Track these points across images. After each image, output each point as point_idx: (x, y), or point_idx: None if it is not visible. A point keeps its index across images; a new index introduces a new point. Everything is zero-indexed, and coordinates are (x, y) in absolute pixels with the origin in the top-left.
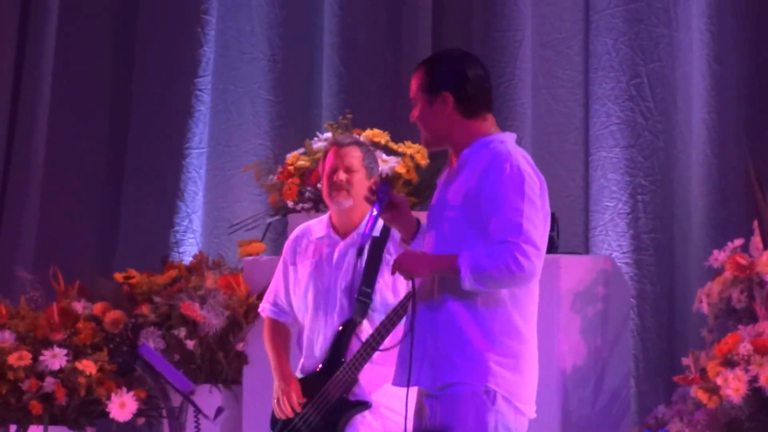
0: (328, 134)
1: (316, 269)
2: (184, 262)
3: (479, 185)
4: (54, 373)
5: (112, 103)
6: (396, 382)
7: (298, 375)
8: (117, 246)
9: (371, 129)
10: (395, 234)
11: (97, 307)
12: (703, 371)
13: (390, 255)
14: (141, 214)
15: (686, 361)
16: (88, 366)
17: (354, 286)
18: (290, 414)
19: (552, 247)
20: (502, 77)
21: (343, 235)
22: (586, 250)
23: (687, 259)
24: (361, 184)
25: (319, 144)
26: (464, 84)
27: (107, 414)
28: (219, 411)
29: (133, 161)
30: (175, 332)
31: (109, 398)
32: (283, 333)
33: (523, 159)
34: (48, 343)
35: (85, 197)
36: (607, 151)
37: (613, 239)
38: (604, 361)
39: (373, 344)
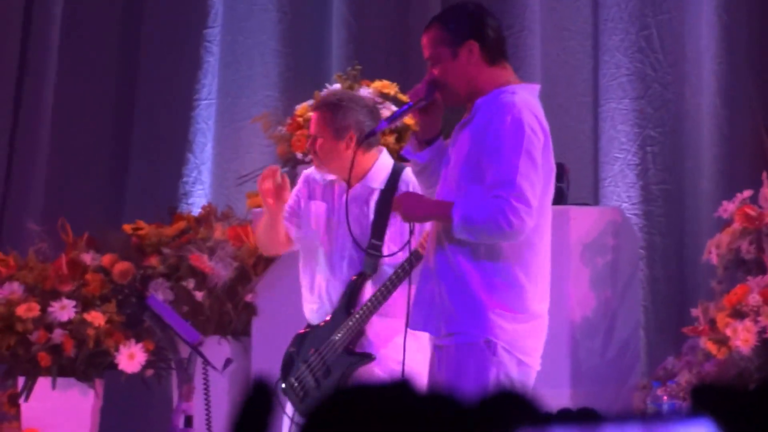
0: (337, 85)
1: (324, 214)
2: (192, 214)
3: (482, 137)
4: (62, 325)
5: (120, 53)
6: (410, 326)
7: (309, 322)
8: (126, 197)
9: (380, 80)
10: (403, 186)
11: (106, 259)
12: (712, 322)
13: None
14: (150, 165)
15: (695, 312)
16: (96, 317)
17: (362, 237)
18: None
19: (561, 198)
20: (512, 28)
21: (351, 184)
22: (595, 201)
23: (696, 210)
24: (330, 147)
25: None
26: (485, 29)
27: (116, 366)
28: (228, 362)
29: (141, 113)
30: (184, 284)
31: (117, 350)
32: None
33: (528, 111)
34: (56, 295)
35: (93, 149)
36: (617, 103)
37: (622, 190)
38: (613, 312)
39: (380, 297)
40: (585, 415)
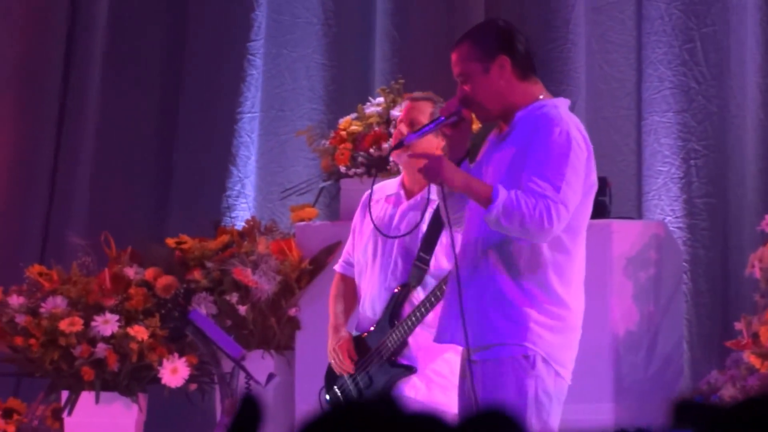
0: (381, 99)
1: (378, 226)
2: (236, 227)
3: (527, 147)
4: (106, 339)
5: (164, 67)
6: (436, 339)
7: (354, 332)
8: (169, 211)
9: (422, 93)
10: None
11: (149, 273)
12: (755, 336)
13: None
14: (193, 179)
15: (739, 325)
16: (139, 332)
17: (411, 248)
18: (349, 370)
19: (604, 212)
20: (555, 42)
21: (409, 196)
22: (638, 215)
23: (740, 224)
24: (426, 140)
25: (371, 109)
26: (516, 44)
27: (159, 380)
28: (270, 377)
29: (185, 126)
30: (227, 297)
31: (160, 364)
32: (347, 288)
33: (573, 126)
34: (100, 309)
35: (137, 162)
36: (660, 116)
37: (666, 204)
38: (656, 326)
39: (423, 310)
40: None
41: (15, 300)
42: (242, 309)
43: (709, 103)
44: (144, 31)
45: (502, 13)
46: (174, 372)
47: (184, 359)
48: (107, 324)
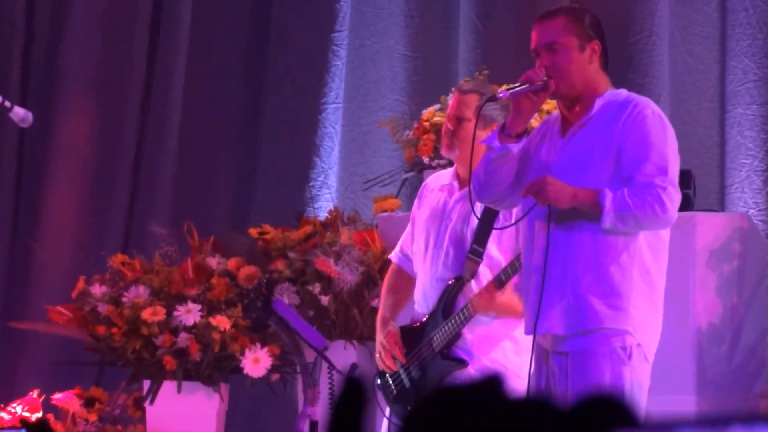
0: None
1: (431, 217)
2: (319, 218)
3: (616, 133)
4: (188, 329)
5: (248, 58)
6: (528, 331)
7: (407, 323)
8: (252, 201)
9: (507, 84)
10: None
11: (232, 263)
12: None
13: (504, 212)
14: (276, 169)
15: None
16: (222, 321)
17: (464, 238)
18: (392, 366)
19: (688, 205)
20: (640, 33)
21: (462, 186)
22: (721, 207)
23: None
24: (472, 133)
25: None
26: (604, 35)
27: (241, 370)
28: (353, 367)
29: (269, 116)
30: (310, 288)
31: (243, 354)
32: (401, 280)
33: (657, 107)
34: (182, 299)
35: (220, 152)
36: (744, 108)
37: (749, 196)
38: (740, 318)
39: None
40: (711, 419)
41: (97, 289)
42: (325, 299)
43: None
44: (228, 23)
45: (587, 5)
46: (256, 362)
47: (266, 349)
48: (189, 313)
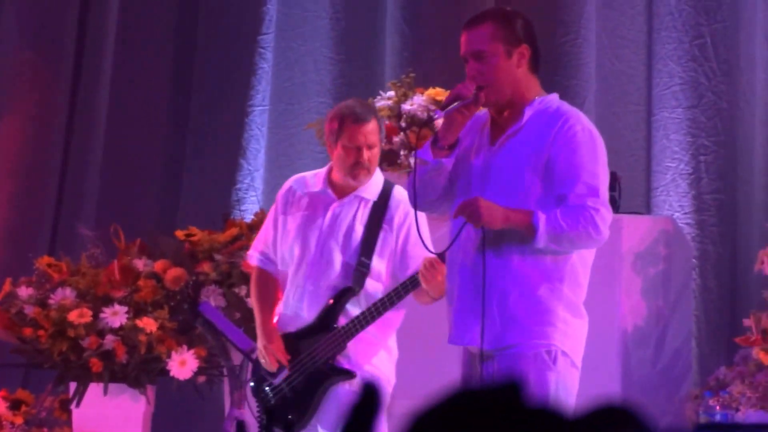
0: (391, 93)
1: (306, 223)
2: (245, 220)
3: (546, 146)
4: (114, 331)
5: (175, 60)
6: (452, 341)
7: (286, 330)
8: (178, 203)
9: (434, 87)
10: (394, 204)
11: (158, 265)
12: (764, 332)
13: (388, 226)
14: (203, 171)
15: (747, 322)
16: (148, 324)
17: (351, 250)
18: (284, 364)
19: (614, 207)
20: (567, 36)
21: (340, 195)
22: (647, 210)
23: (749, 220)
24: (378, 156)
25: (381, 103)
26: (535, 39)
27: (167, 372)
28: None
29: (195, 118)
30: (236, 290)
31: (169, 356)
32: (270, 284)
33: (587, 120)
34: (108, 301)
35: (147, 155)
36: (670, 112)
37: (674, 200)
38: (665, 321)
39: (369, 317)
40: None
41: (24, 291)
42: (251, 302)
43: (719, 99)
44: (155, 24)
45: (515, 6)
46: (183, 364)
47: (192, 351)
48: (116, 316)
